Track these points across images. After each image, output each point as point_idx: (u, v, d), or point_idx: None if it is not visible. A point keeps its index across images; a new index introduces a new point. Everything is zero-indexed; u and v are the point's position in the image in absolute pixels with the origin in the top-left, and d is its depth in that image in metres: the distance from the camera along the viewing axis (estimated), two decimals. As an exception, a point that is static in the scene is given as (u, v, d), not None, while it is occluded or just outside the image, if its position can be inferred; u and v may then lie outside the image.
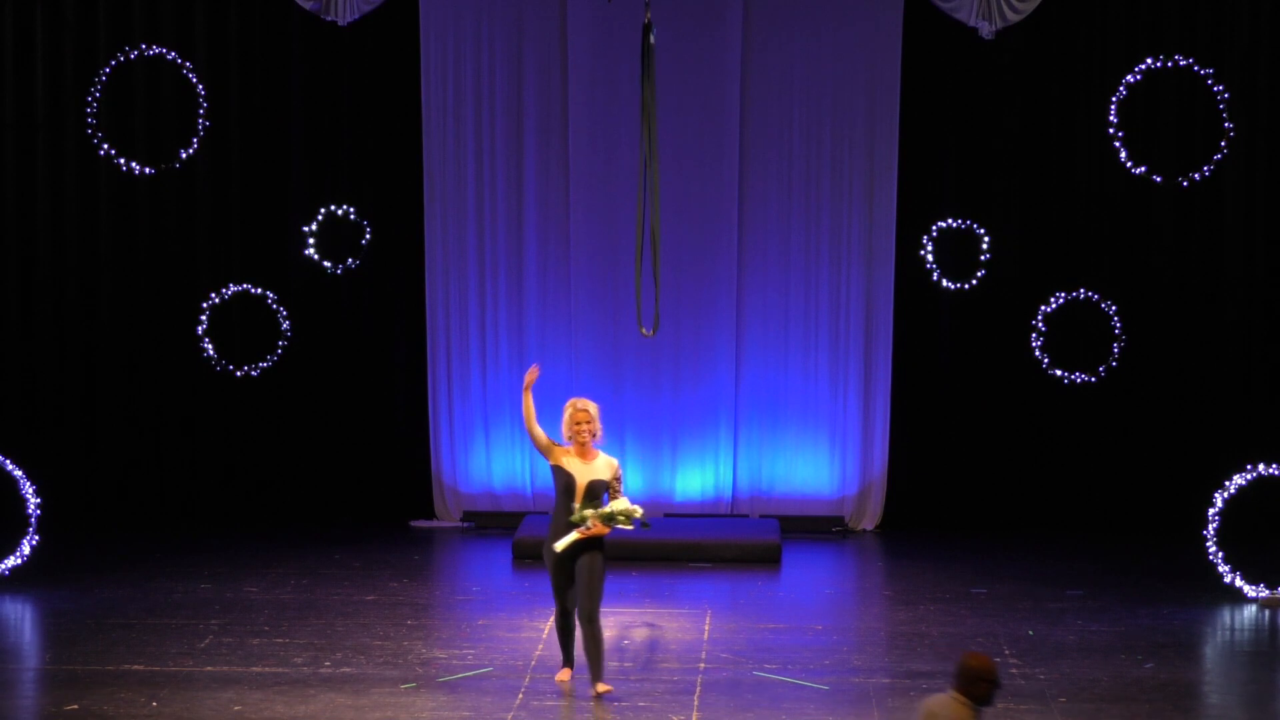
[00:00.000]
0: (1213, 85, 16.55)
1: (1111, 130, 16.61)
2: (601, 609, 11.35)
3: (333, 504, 17.27)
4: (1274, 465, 14.43)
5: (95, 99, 16.67)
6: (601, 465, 11.38)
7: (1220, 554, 14.43)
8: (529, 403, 11.43)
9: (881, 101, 16.87)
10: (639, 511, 11.28)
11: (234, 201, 17.11)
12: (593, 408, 11.44)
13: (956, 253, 16.88)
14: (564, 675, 11.65)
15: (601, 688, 11.36)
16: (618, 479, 11.38)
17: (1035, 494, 17.08)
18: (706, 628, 13.19)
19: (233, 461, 17.18)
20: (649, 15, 13.53)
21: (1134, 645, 12.84)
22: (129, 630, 12.94)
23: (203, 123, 16.75)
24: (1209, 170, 16.60)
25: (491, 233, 17.12)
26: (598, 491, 11.30)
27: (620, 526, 11.26)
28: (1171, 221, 16.86)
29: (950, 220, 16.88)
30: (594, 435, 11.40)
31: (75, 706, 10.99)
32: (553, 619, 11.81)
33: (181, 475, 17.16)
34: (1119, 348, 16.77)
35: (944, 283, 16.88)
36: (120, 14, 16.85)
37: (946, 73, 16.95)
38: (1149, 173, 16.63)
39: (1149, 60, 16.57)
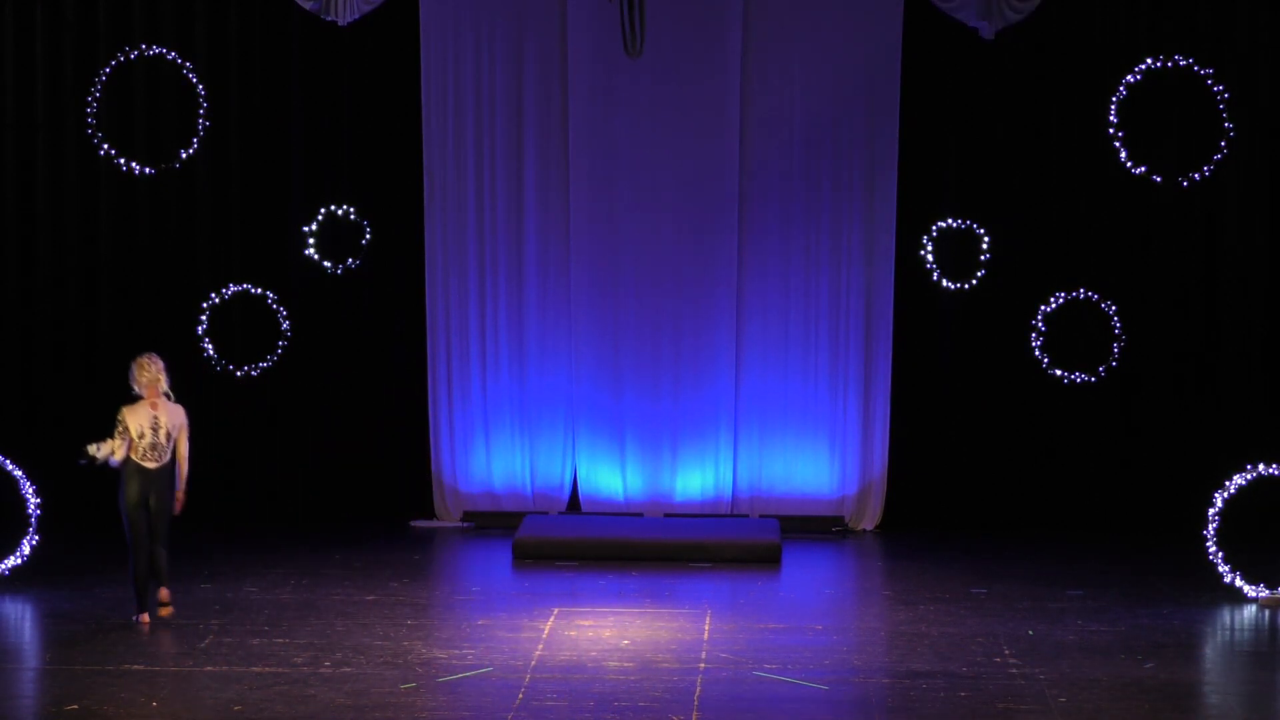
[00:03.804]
0: (1213, 85, 16.54)
1: (1111, 130, 16.60)
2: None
3: (333, 504, 17.26)
4: (1274, 465, 14.43)
5: (95, 99, 16.67)
6: None
7: (1220, 554, 14.42)
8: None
9: (881, 101, 16.85)
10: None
11: (234, 201, 17.10)
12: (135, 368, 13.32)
13: (956, 253, 16.87)
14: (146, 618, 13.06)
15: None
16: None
17: (1035, 494, 17.08)
18: (706, 628, 13.17)
19: (233, 461, 17.17)
20: None
21: (1134, 645, 12.83)
22: (129, 630, 12.93)
23: (203, 123, 16.74)
24: (1209, 170, 16.59)
25: (491, 233, 17.11)
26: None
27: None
28: (1172, 221, 16.86)
29: (950, 220, 16.88)
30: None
31: (75, 706, 10.98)
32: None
33: (181, 475, 17.14)
34: (1119, 348, 16.76)
35: (944, 283, 16.88)
36: (120, 14, 16.85)
37: (946, 73, 16.94)
38: (1149, 173, 16.62)
39: (1149, 60, 16.56)
